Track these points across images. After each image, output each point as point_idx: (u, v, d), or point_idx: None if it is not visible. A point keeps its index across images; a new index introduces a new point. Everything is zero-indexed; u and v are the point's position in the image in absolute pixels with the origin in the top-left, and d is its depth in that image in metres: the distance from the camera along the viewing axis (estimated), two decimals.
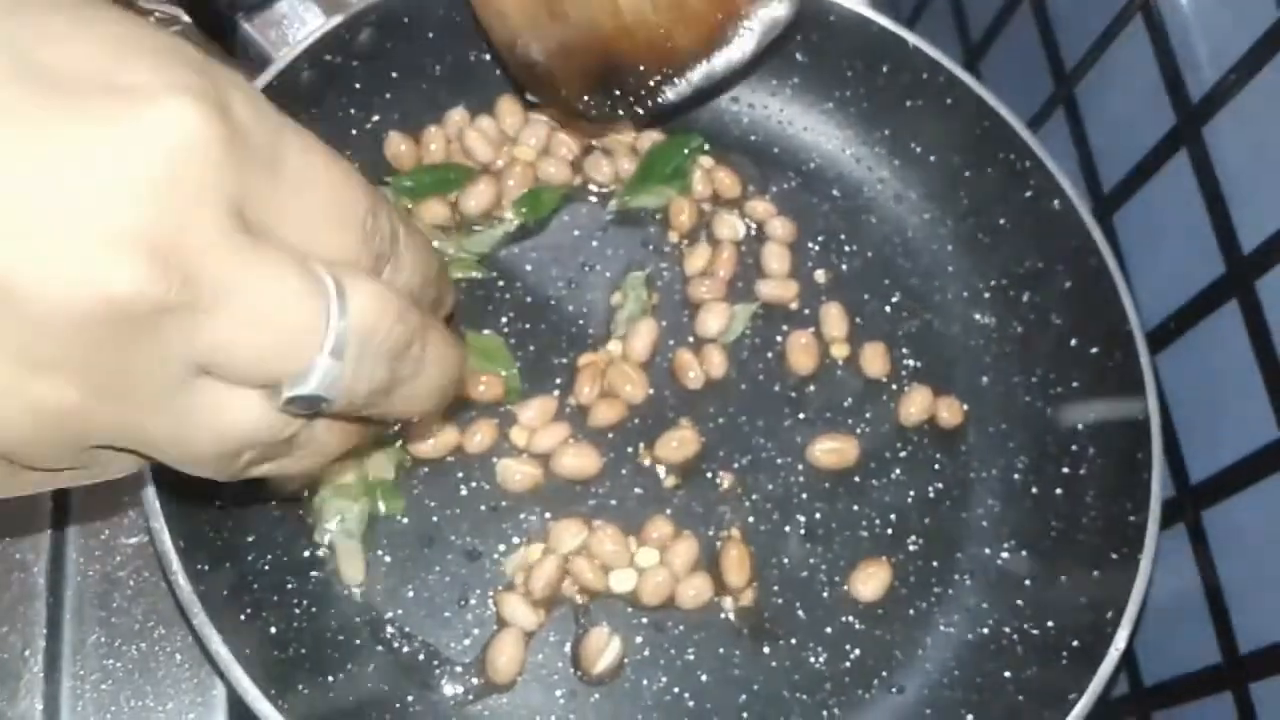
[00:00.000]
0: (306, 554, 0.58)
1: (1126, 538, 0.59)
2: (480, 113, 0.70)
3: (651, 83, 0.55)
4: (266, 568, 0.56)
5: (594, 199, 0.70)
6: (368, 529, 0.59)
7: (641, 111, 0.62)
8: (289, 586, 0.56)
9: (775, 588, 0.59)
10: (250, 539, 0.57)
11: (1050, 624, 0.58)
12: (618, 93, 0.57)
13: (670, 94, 0.61)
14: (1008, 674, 0.58)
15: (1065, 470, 0.63)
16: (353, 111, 0.67)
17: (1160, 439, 0.61)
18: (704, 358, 0.65)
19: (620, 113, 0.61)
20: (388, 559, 0.59)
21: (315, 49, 0.64)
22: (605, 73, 0.54)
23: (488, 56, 0.69)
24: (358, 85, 0.67)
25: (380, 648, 0.56)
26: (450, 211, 0.67)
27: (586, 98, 0.59)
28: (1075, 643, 0.57)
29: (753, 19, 0.53)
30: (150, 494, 0.51)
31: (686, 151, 0.71)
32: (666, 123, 0.70)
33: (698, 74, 0.60)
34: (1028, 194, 0.67)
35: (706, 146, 0.72)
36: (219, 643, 0.49)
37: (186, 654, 0.57)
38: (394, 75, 0.68)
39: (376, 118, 0.68)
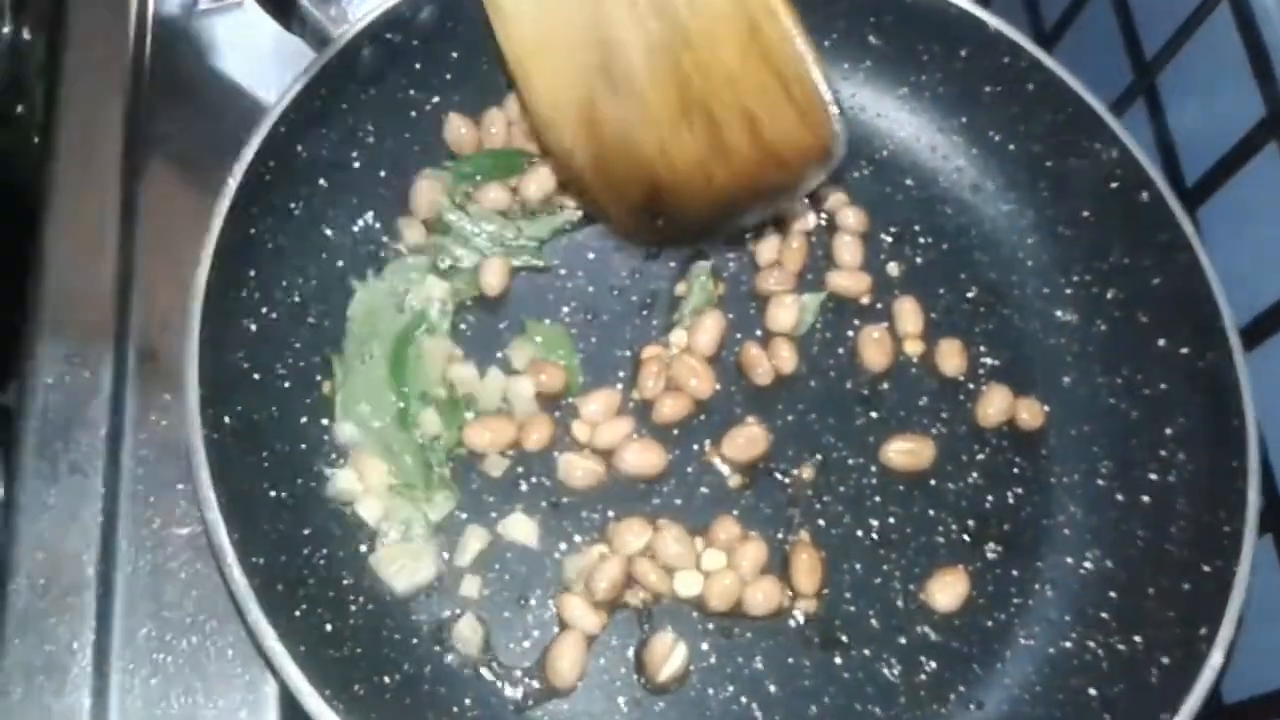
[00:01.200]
0: (364, 548, 0.56)
1: (1220, 549, 0.56)
2: None
3: (693, 215, 0.51)
4: (323, 563, 0.55)
5: None
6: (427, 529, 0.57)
7: (685, 242, 0.58)
8: (345, 583, 0.55)
9: (847, 595, 0.57)
10: (307, 532, 0.55)
11: (1138, 639, 0.56)
12: (660, 222, 0.53)
13: (716, 233, 0.58)
14: (1093, 691, 0.55)
15: (1153, 476, 0.60)
16: (412, 93, 0.65)
17: (1258, 445, 0.57)
18: (773, 352, 0.63)
19: (666, 240, 0.57)
20: (445, 556, 0.57)
21: (375, 26, 0.62)
22: (647, 197, 0.50)
23: None
24: (418, 65, 0.65)
25: (438, 648, 0.55)
26: (511, 197, 0.65)
27: (629, 219, 0.55)
28: (1166, 659, 0.54)
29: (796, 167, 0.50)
30: (205, 484, 0.49)
31: None
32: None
33: (746, 218, 0.57)
34: (1114, 185, 0.64)
35: None
36: (274, 639, 0.47)
37: (238, 649, 0.55)
38: (455, 55, 0.66)
39: (436, 99, 0.66)
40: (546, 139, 0.49)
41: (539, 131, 0.50)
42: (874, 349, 0.63)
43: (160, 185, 0.65)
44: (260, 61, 0.68)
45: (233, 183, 0.54)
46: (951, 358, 0.64)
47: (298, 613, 0.51)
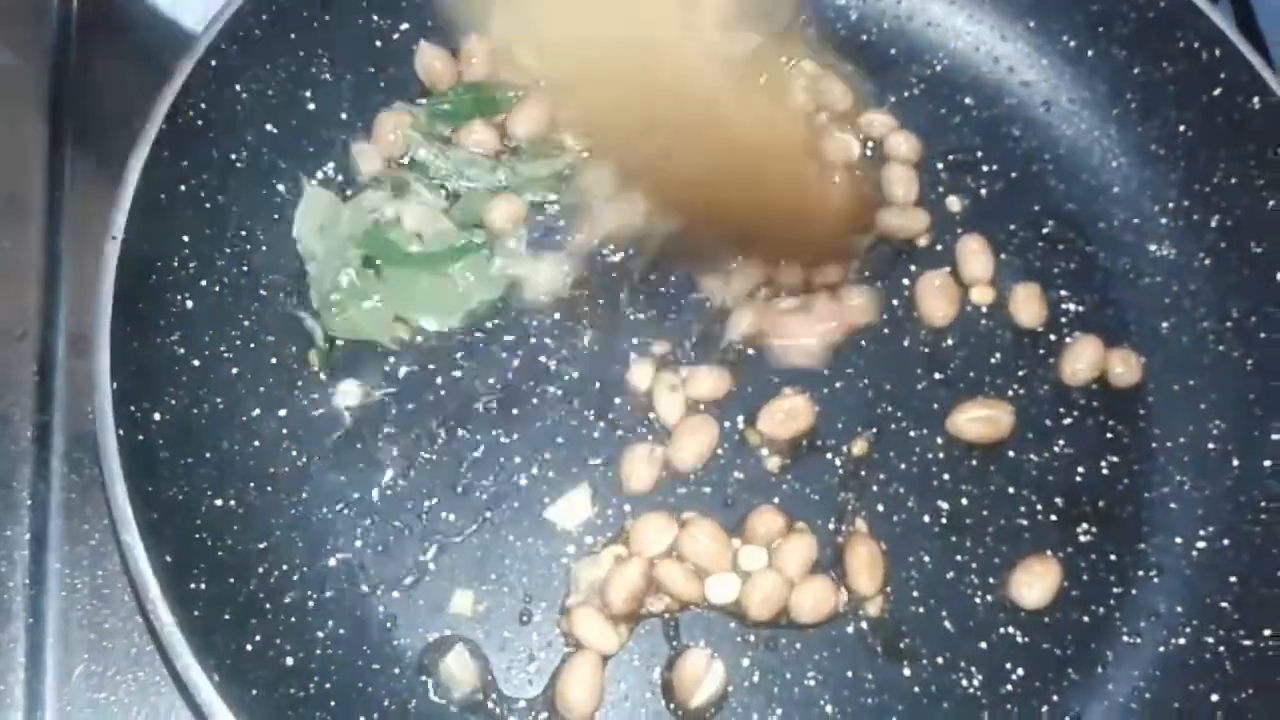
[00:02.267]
0: (333, 562, 0.50)
1: None
2: None
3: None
4: (283, 582, 0.48)
5: None
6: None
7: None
8: (311, 604, 0.49)
9: (914, 593, 0.53)
10: (262, 546, 0.49)
11: (1268, 633, 0.51)
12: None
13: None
14: (1215, 697, 0.50)
15: (1275, 436, 0.56)
16: (375, 19, 0.59)
17: None
18: None
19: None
20: (433, 566, 0.51)
21: None
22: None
23: None
24: None
25: (424, 678, 0.49)
26: (499, 137, 0.58)
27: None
28: None
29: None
30: (120, 498, 0.42)
31: (786, 58, 0.62)
32: None
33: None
34: (1217, 91, 0.58)
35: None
36: (209, 690, 0.40)
37: None
38: None
39: (405, 25, 0.60)
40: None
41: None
42: (935, 298, 0.59)
43: (92, 143, 0.59)
44: None
45: (151, 130, 0.48)
46: (1028, 305, 0.59)
47: (250, 647, 0.45)
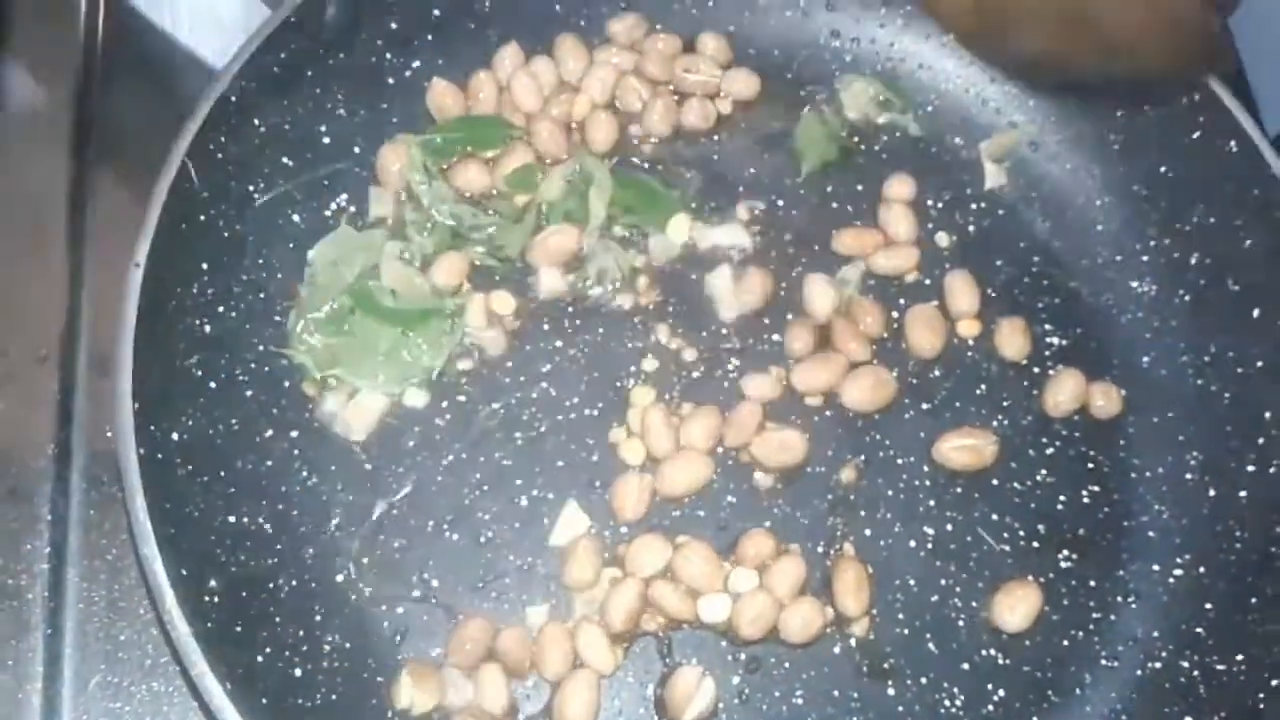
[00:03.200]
0: (341, 578, 0.51)
1: None
2: (538, 52, 0.62)
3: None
4: (292, 596, 0.49)
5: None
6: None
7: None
8: (318, 617, 0.49)
9: (899, 615, 0.53)
10: (272, 562, 0.50)
11: (1240, 658, 0.51)
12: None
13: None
14: None
15: (1251, 468, 0.55)
16: (389, 56, 0.59)
17: None
18: None
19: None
20: (435, 583, 0.51)
21: None
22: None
23: None
24: (394, 24, 0.59)
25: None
26: (490, 179, 0.59)
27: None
28: (1275, 681, 0.50)
29: None
30: (140, 512, 0.43)
31: None
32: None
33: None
34: (1196, 134, 0.59)
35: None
36: (223, 699, 0.41)
37: None
38: (436, 13, 0.60)
39: (416, 63, 0.60)
40: None
41: None
42: (923, 331, 0.58)
43: (114, 171, 0.60)
44: (226, 31, 0.63)
45: (174, 162, 0.49)
46: (1013, 339, 0.59)
47: (260, 657, 0.46)
